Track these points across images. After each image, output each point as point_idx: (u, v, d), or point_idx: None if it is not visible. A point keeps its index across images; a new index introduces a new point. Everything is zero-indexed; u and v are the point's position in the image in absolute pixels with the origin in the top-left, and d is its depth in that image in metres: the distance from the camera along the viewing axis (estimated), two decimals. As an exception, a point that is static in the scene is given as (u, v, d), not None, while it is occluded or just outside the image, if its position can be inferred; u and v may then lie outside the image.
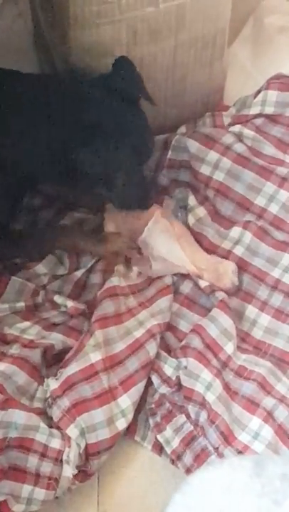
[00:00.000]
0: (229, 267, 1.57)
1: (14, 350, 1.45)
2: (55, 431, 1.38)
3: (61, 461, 1.36)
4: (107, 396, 1.41)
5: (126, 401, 1.42)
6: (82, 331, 1.50)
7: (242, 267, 1.58)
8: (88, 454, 1.38)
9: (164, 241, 1.57)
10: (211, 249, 1.62)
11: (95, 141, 1.40)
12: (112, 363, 1.45)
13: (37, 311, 1.54)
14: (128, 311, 1.53)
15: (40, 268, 1.57)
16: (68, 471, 1.35)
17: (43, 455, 1.35)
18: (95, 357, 1.44)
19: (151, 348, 1.48)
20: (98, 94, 1.45)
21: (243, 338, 1.54)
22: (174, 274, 1.60)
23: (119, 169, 1.44)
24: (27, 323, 1.51)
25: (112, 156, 1.43)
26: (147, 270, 1.58)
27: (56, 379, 1.43)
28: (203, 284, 1.56)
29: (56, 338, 1.48)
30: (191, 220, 1.64)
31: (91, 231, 1.64)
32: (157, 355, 1.49)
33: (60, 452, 1.36)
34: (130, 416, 1.42)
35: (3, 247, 1.57)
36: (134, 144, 1.45)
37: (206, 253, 1.60)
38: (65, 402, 1.40)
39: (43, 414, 1.41)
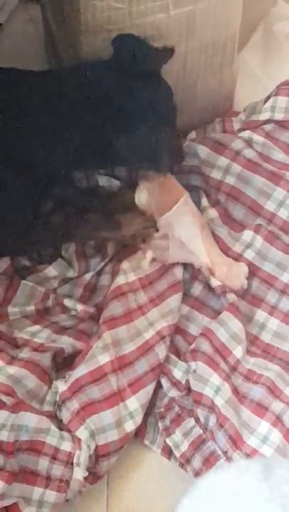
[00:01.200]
0: (243, 268, 1.58)
1: (24, 354, 1.46)
2: (65, 433, 1.39)
3: (72, 463, 1.37)
4: (116, 397, 1.42)
5: (134, 403, 1.43)
6: (91, 335, 1.51)
7: (252, 271, 1.59)
8: (98, 455, 1.38)
9: (188, 225, 1.57)
10: (223, 250, 1.62)
11: (127, 128, 1.40)
12: (121, 364, 1.45)
13: (47, 314, 1.55)
14: (138, 308, 1.53)
15: (51, 271, 1.58)
16: (79, 473, 1.36)
17: (53, 458, 1.36)
18: (104, 359, 1.44)
19: (161, 350, 1.48)
20: (117, 79, 1.44)
21: (252, 342, 1.54)
22: (185, 274, 1.60)
23: (160, 152, 1.43)
24: (37, 327, 1.51)
25: (150, 141, 1.42)
26: (163, 254, 1.58)
27: (65, 381, 1.44)
28: (214, 283, 1.56)
29: (66, 342, 1.48)
30: (204, 219, 1.65)
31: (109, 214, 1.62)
32: (167, 359, 1.50)
33: (71, 455, 1.37)
34: (138, 418, 1.43)
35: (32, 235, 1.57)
36: (165, 116, 1.45)
37: (220, 251, 1.60)
38: (74, 405, 1.40)
39: (53, 417, 1.42)
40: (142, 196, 1.57)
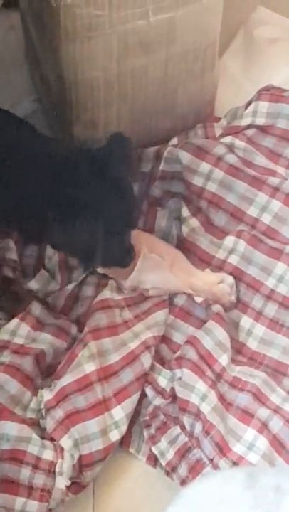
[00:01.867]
0: (224, 289, 1.56)
1: (4, 357, 1.45)
2: (47, 442, 1.38)
3: (54, 472, 1.36)
4: (101, 407, 1.41)
5: (119, 412, 1.42)
6: (70, 332, 1.51)
7: (237, 276, 1.58)
8: (82, 465, 1.37)
9: (157, 275, 1.56)
10: (205, 259, 1.62)
11: (69, 218, 1.36)
12: (107, 373, 1.45)
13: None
14: (124, 323, 1.53)
15: (33, 284, 1.57)
16: (61, 482, 1.35)
17: (35, 467, 1.35)
18: (90, 367, 1.43)
19: (146, 359, 1.48)
20: (82, 167, 1.39)
21: (239, 350, 1.54)
22: None
23: (96, 245, 1.40)
24: (15, 321, 1.51)
25: (87, 234, 1.38)
26: (143, 292, 1.58)
27: (50, 390, 1.43)
28: (199, 299, 1.56)
29: (45, 341, 1.48)
30: (184, 230, 1.65)
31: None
32: (151, 367, 1.49)
33: (53, 464, 1.36)
34: (124, 428, 1.42)
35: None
36: (113, 220, 1.41)
37: (200, 272, 1.59)
38: (59, 413, 1.40)
39: (36, 424, 1.41)
40: (99, 269, 1.57)
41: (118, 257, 1.47)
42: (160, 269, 1.56)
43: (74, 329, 1.53)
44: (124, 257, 1.49)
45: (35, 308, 1.53)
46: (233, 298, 1.57)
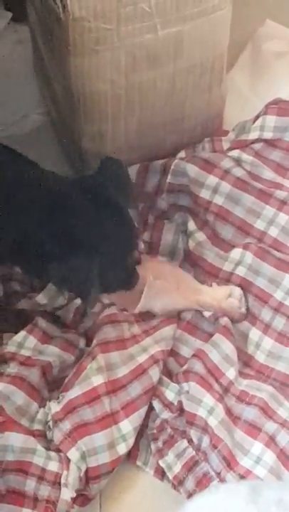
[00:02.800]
0: (233, 303, 1.56)
1: (11, 369, 1.45)
2: (52, 453, 1.38)
3: (59, 483, 1.35)
4: (109, 420, 1.41)
5: (127, 426, 1.42)
6: (78, 345, 1.51)
7: (245, 287, 1.58)
8: (89, 477, 1.37)
9: (165, 300, 1.56)
10: (212, 272, 1.62)
11: (66, 253, 1.33)
12: (115, 387, 1.44)
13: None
14: (132, 337, 1.53)
15: (41, 298, 1.57)
16: (67, 494, 1.35)
17: (40, 478, 1.35)
18: (97, 380, 1.43)
19: (154, 373, 1.47)
20: (77, 199, 1.38)
21: (247, 362, 1.53)
22: None
23: (93, 283, 1.37)
24: (23, 333, 1.51)
25: (84, 272, 1.35)
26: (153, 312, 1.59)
27: (58, 402, 1.43)
28: (207, 314, 1.56)
29: (53, 353, 1.48)
30: (191, 244, 1.65)
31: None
32: (159, 381, 1.49)
33: (58, 475, 1.36)
34: (131, 441, 1.42)
35: None
36: (111, 253, 1.39)
37: (207, 288, 1.59)
38: (67, 425, 1.39)
39: (43, 436, 1.41)
40: (106, 299, 1.56)
41: (122, 280, 1.47)
42: (167, 293, 1.56)
43: (82, 343, 1.53)
44: (129, 280, 1.48)
45: (42, 321, 1.53)
46: (243, 310, 1.56)
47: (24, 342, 1.50)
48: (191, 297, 1.57)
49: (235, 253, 1.61)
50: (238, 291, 1.57)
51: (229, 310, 1.55)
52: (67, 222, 1.36)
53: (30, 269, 1.47)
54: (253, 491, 0.78)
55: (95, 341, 1.49)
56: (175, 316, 1.58)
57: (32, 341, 1.50)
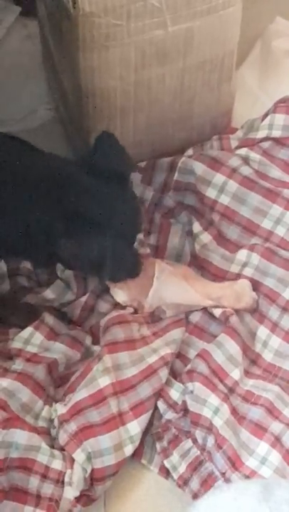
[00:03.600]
0: (245, 283, 1.57)
1: (17, 365, 1.45)
2: (56, 452, 1.38)
3: (62, 482, 1.35)
4: (115, 421, 1.40)
5: (135, 427, 1.41)
6: (84, 343, 1.51)
7: (254, 286, 1.57)
8: (94, 479, 1.36)
9: (176, 286, 1.55)
10: (219, 274, 1.61)
11: (76, 231, 1.35)
12: (123, 387, 1.44)
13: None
14: (142, 338, 1.52)
15: (49, 293, 1.56)
16: (70, 493, 1.34)
17: (44, 476, 1.34)
18: (104, 382, 1.43)
19: (164, 375, 1.47)
20: (82, 177, 1.39)
21: (254, 361, 1.53)
22: None
23: (105, 257, 1.39)
24: (30, 329, 1.50)
25: (95, 246, 1.37)
26: (160, 315, 1.58)
27: (65, 404, 1.42)
28: (217, 313, 1.55)
29: (59, 350, 1.48)
30: (196, 247, 1.64)
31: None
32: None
33: (62, 473, 1.35)
34: (138, 443, 1.41)
35: None
36: (120, 228, 1.40)
37: (214, 283, 1.59)
38: (72, 427, 1.39)
39: (47, 433, 1.41)
40: (119, 295, 1.56)
41: (130, 264, 1.47)
42: (176, 281, 1.56)
43: (88, 340, 1.52)
44: (135, 265, 1.48)
45: (49, 317, 1.53)
46: (255, 294, 1.56)
47: (31, 338, 1.50)
48: (200, 288, 1.56)
49: (242, 254, 1.61)
50: (246, 281, 1.57)
51: (241, 292, 1.55)
52: (75, 202, 1.36)
53: (39, 258, 1.46)
54: (265, 489, 0.77)
55: (102, 342, 1.49)
56: (183, 318, 1.57)
57: (38, 338, 1.50)
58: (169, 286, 1.55)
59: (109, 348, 1.46)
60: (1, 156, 1.39)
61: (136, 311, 1.56)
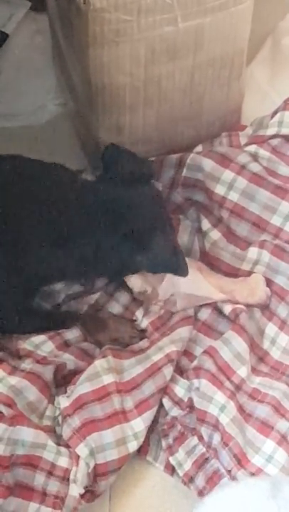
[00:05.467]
0: (258, 277, 1.57)
1: (26, 364, 1.45)
2: (62, 449, 1.38)
3: (68, 479, 1.35)
4: (118, 417, 1.41)
5: (140, 424, 1.42)
6: (93, 356, 1.50)
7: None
8: (97, 474, 1.37)
9: (190, 275, 1.55)
10: (230, 272, 1.61)
11: (143, 245, 1.39)
12: (128, 386, 1.44)
13: None
14: (151, 342, 1.52)
15: (57, 284, 1.56)
16: (75, 490, 1.34)
17: (50, 473, 1.34)
18: (108, 379, 1.43)
19: (168, 372, 1.47)
20: (118, 193, 1.42)
21: (262, 358, 1.53)
22: None
23: (180, 258, 1.43)
24: (42, 337, 1.50)
25: (166, 251, 1.42)
26: (171, 308, 1.58)
27: (67, 397, 1.42)
28: (227, 310, 1.55)
29: (69, 359, 1.48)
30: (206, 245, 1.64)
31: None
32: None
33: (68, 471, 1.36)
34: (142, 439, 1.41)
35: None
36: (165, 223, 1.45)
37: (228, 278, 1.59)
38: (76, 421, 1.39)
39: (52, 432, 1.41)
40: (133, 282, 1.56)
41: (171, 259, 1.47)
42: (192, 270, 1.55)
43: (97, 352, 1.51)
44: (180, 263, 1.48)
45: (70, 333, 1.53)
46: (268, 290, 1.56)
47: (42, 345, 1.50)
48: (214, 281, 1.56)
49: (252, 253, 1.60)
50: (260, 276, 1.57)
51: (254, 284, 1.55)
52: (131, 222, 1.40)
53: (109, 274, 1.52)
54: (274, 486, 0.77)
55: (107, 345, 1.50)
56: (192, 316, 1.57)
57: (49, 346, 1.50)
58: (182, 279, 1.55)
59: (114, 353, 1.47)
60: (45, 185, 1.42)
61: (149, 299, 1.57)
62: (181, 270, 1.44)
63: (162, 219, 1.45)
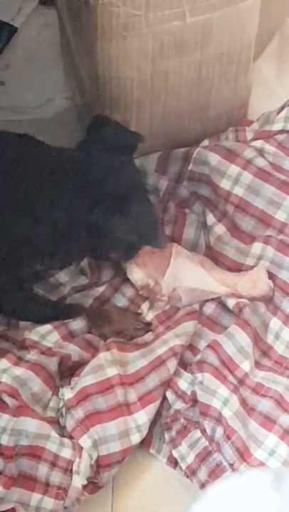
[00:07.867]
0: (260, 270, 1.57)
1: (31, 355, 1.45)
2: (66, 440, 1.38)
3: (71, 471, 1.36)
4: (121, 410, 1.41)
5: (143, 417, 1.42)
6: (98, 347, 1.50)
7: (269, 279, 1.58)
8: (99, 466, 1.37)
9: (191, 269, 1.57)
10: (234, 267, 1.61)
11: (121, 209, 1.38)
12: (132, 379, 1.44)
13: None
14: (156, 335, 1.53)
15: (62, 276, 1.57)
16: (78, 481, 1.35)
17: (53, 464, 1.35)
18: (112, 372, 1.43)
19: (172, 366, 1.47)
20: (100, 158, 1.42)
21: (265, 352, 1.53)
22: None
23: (156, 227, 1.44)
24: (47, 327, 1.51)
25: (144, 218, 1.42)
26: (176, 303, 1.58)
27: (71, 388, 1.43)
28: (231, 304, 1.55)
29: (73, 350, 1.48)
30: (211, 239, 1.65)
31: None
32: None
33: (71, 462, 1.36)
34: (145, 432, 1.42)
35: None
36: (137, 192, 1.44)
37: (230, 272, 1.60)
38: (79, 413, 1.40)
39: (56, 423, 1.41)
40: (135, 275, 1.57)
41: (147, 228, 1.47)
42: (192, 265, 1.57)
43: (102, 344, 1.52)
44: (154, 229, 1.49)
45: (76, 323, 1.53)
46: (271, 282, 1.56)
47: (47, 335, 1.50)
48: (216, 275, 1.57)
49: (256, 248, 1.61)
50: (262, 268, 1.58)
51: (256, 278, 1.56)
52: (100, 184, 1.38)
53: (75, 255, 1.50)
54: (276, 478, 0.78)
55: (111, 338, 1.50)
56: (197, 310, 1.57)
57: (55, 336, 1.50)
58: (186, 269, 1.56)
59: (118, 346, 1.47)
60: (14, 155, 1.41)
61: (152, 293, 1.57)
62: (156, 241, 1.45)
63: (141, 189, 1.45)
